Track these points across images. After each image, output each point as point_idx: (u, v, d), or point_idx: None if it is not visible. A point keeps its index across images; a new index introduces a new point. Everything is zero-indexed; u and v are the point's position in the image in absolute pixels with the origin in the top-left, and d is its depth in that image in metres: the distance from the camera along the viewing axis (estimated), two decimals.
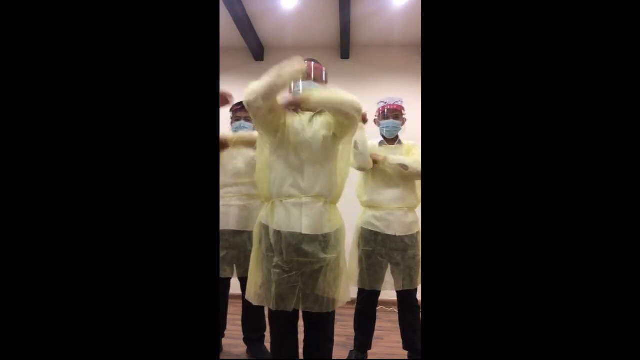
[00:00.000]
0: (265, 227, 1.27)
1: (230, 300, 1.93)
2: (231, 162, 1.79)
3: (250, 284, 1.33)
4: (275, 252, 1.24)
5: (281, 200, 1.25)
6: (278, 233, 1.23)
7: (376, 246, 1.69)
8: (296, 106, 1.28)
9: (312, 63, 1.36)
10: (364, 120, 1.69)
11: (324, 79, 1.39)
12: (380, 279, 1.69)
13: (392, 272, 1.70)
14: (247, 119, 1.85)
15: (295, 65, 1.22)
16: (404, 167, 1.66)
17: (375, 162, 1.70)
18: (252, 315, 1.82)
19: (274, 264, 1.24)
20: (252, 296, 1.32)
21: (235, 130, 1.88)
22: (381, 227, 1.68)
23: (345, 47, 3.11)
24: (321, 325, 1.31)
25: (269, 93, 1.18)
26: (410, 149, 1.77)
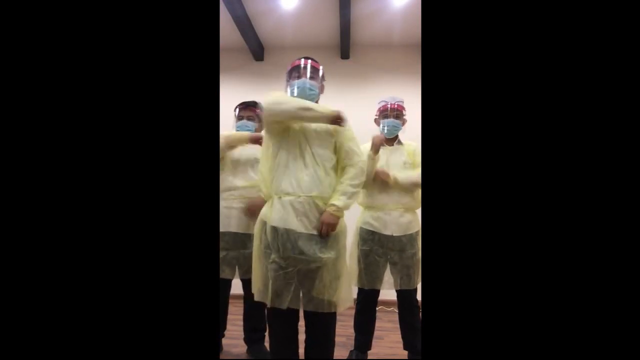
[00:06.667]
0: (264, 223, 1.28)
1: (230, 301, 1.93)
2: (234, 164, 1.79)
3: (254, 282, 1.34)
4: (273, 248, 1.25)
5: (280, 197, 1.26)
6: (275, 229, 1.23)
7: (373, 245, 1.69)
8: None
9: (309, 61, 1.36)
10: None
11: (320, 76, 1.39)
12: (378, 278, 1.69)
13: (391, 272, 1.70)
14: (250, 119, 1.85)
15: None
16: (416, 186, 1.67)
17: (383, 181, 1.67)
18: (252, 315, 1.81)
19: (270, 261, 1.25)
20: (254, 292, 1.34)
21: (238, 129, 1.87)
22: (378, 227, 1.68)
23: (345, 47, 3.11)
24: (322, 326, 1.31)
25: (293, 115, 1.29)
26: (413, 152, 1.75)
